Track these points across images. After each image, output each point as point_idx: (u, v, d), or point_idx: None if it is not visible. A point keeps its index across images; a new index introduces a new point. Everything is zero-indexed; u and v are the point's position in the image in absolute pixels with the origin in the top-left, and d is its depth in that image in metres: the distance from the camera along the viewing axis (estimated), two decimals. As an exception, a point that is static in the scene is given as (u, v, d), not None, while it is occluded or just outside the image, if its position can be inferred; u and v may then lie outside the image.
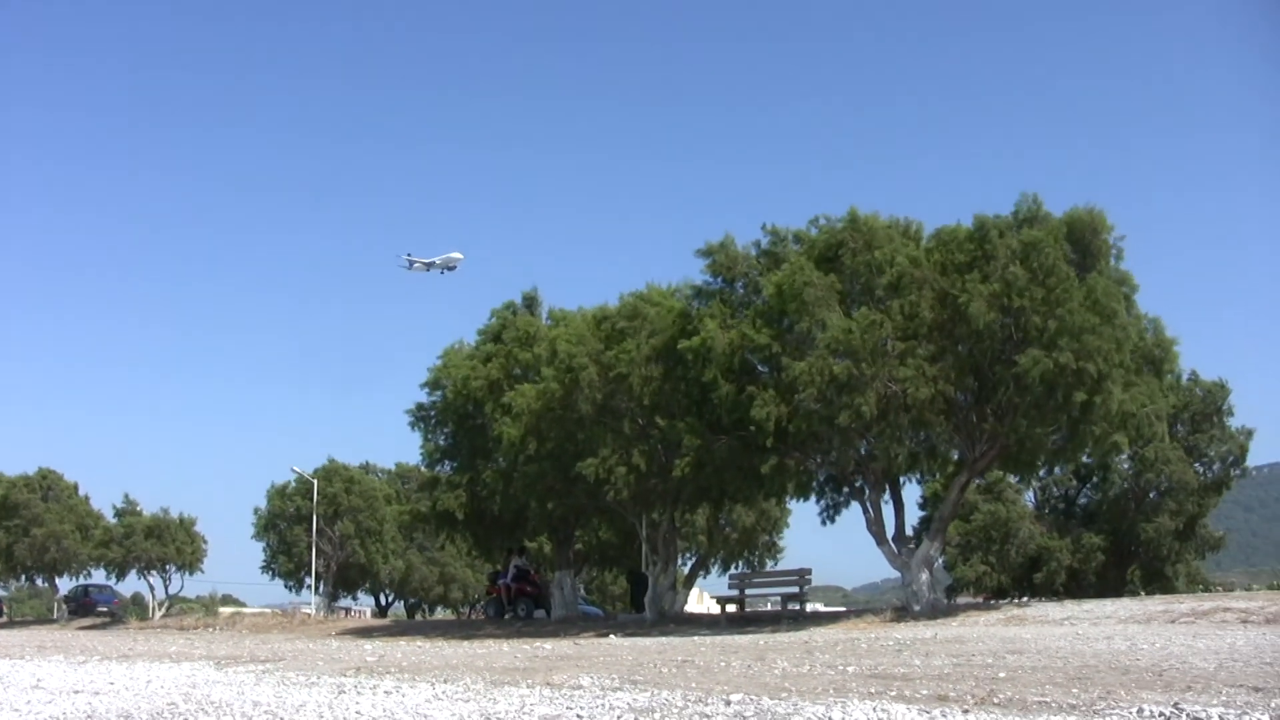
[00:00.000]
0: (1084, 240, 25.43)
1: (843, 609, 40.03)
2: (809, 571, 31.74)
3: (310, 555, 60.11)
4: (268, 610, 61.84)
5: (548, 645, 23.09)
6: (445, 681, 14.49)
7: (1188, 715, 8.61)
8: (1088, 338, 22.91)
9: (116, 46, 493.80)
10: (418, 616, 71.71)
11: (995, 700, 10.12)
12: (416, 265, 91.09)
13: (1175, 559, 46.79)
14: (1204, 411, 46.67)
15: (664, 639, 23.99)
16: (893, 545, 27.68)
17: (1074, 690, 10.59)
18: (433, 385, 36.16)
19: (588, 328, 30.34)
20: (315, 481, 60.53)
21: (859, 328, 24.13)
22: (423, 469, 43.37)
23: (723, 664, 15.69)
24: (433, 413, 36.54)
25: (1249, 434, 47.03)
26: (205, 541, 68.76)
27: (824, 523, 30.71)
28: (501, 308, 37.50)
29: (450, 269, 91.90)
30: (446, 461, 37.20)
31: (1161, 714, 8.76)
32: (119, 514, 66.66)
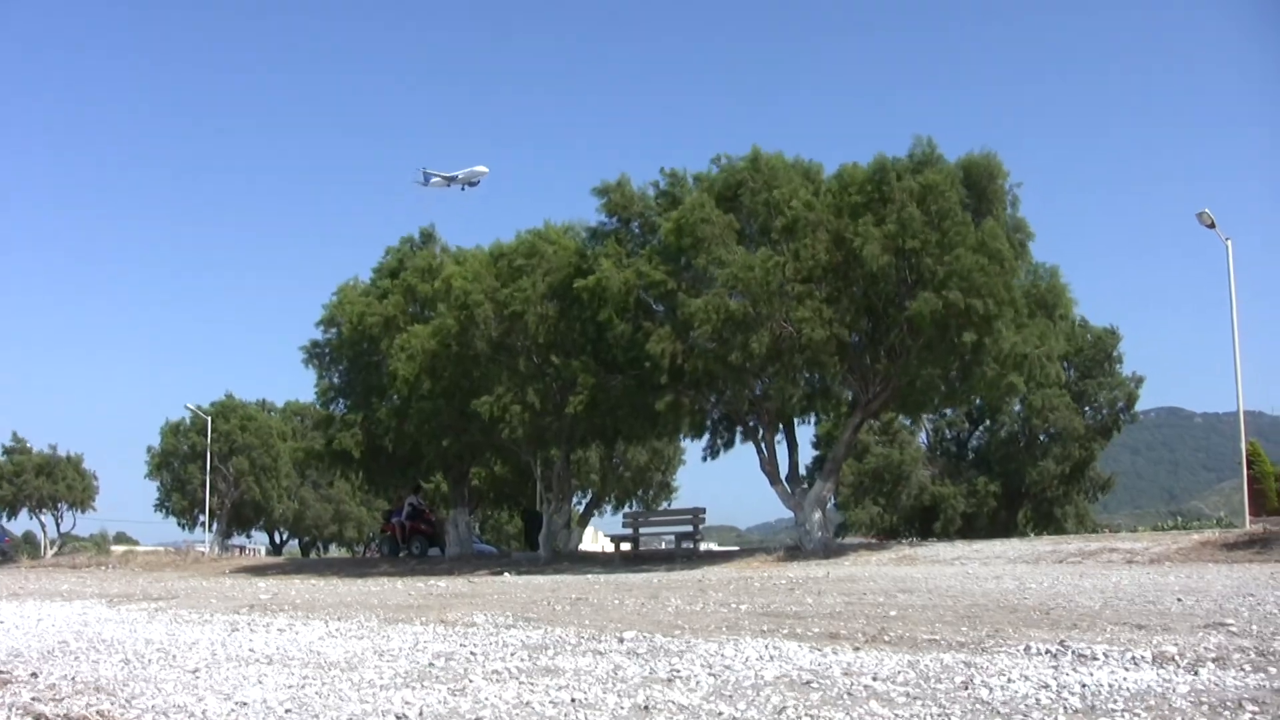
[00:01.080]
0: (979, 185, 25.55)
1: (736, 548, 40.30)
2: (703, 511, 31.79)
3: (204, 493, 59.48)
4: (161, 548, 61.08)
5: (442, 583, 23.06)
6: (339, 619, 14.47)
7: (1073, 653, 8.70)
8: (976, 277, 23.04)
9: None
10: (312, 555, 71.20)
11: (886, 638, 10.19)
12: (435, 180, 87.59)
13: (1064, 501, 47.54)
14: (1094, 358, 47.29)
15: (558, 577, 24.04)
16: (786, 485, 27.83)
17: (963, 628, 10.68)
18: (328, 322, 35.73)
19: (484, 265, 30.10)
20: (210, 418, 59.80)
21: (760, 266, 24.09)
22: (317, 407, 42.96)
23: (616, 602, 15.73)
24: (327, 350, 36.13)
25: (1139, 381, 47.76)
26: (96, 479, 68.02)
27: (705, 459, 31.08)
28: (398, 244, 37.14)
29: (473, 184, 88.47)
30: (341, 399, 36.83)
31: (1048, 651, 8.84)
32: (8, 452, 65.65)
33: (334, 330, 35.49)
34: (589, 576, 23.56)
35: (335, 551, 74.52)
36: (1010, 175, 26.22)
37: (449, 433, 31.64)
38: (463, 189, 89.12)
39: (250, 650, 11.07)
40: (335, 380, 36.62)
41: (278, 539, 72.18)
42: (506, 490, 44.95)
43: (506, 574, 26.22)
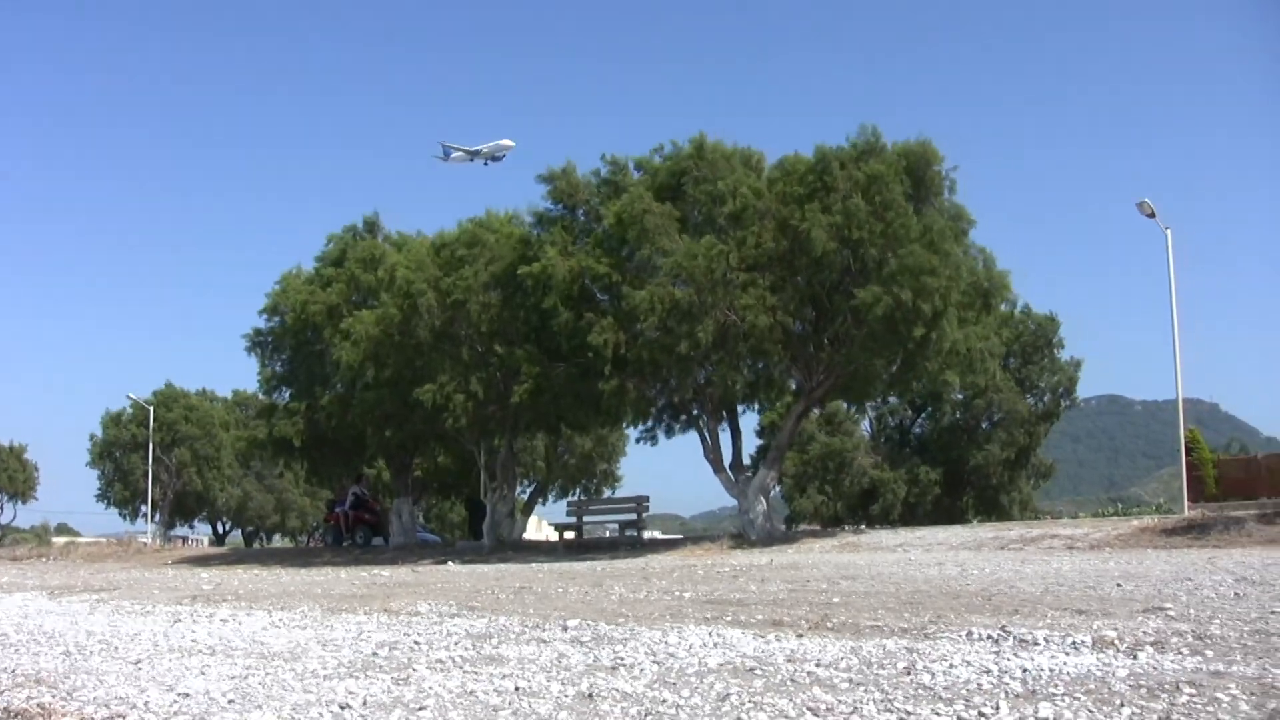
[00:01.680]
0: (918, 172, 25.55)
1: (680, 536, 40.40)
2: (647, 499, 31.90)
3: (146, 483, 59.05)
4: (103, 540, 60.62)
5: (386, 573, 22.98)
6: (282, 609, 14.42)
7: (1015, 638, 8.76)
8: (926, 278, 23.08)
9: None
10: (255, 545, 71.01)
11: (829, 625, 10.23)
12: (456, 155, 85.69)
13: (1007, 488, 47.94)
14: (1035, 344, 47.78)
15: (502, 566, 23.99)
16: (730, 473, 27.91)
17: (906, 614, 10.74)
18: (270, 310, 35.47)
19: (427, 254, 29.97)
20: (152, 409, 59.35)
21: (703, 255, 24.09)
22: (260, 396, 42.71)
23: (560, 590, 15.73)
24: (270, 338, 35.89)
25: (1078, 365, 48.38)
26: (37, 469, 67.48)
27: (639, 441, 31.20)
28: (342, 232, 36.86)
29: (497, 159, 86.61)
30: (284, 388, 36.61)
31: (990, 636, 8.90)
32: (-56, 442, 65.11)
33: (277, 319, 35.25)
34: (533, 565, 23.54)
35: (279, 542, 74.32)
36: (945, 160, 26.20)
37: (392, 422, 31.48)
38: (485, 164, 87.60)
39: (193, 641, 11.02)
40: (278, 369, 36.37)
41: (220, 529, 71.80)
42: (450, 479, 44.84)
43: (450, 563, 26.17)
